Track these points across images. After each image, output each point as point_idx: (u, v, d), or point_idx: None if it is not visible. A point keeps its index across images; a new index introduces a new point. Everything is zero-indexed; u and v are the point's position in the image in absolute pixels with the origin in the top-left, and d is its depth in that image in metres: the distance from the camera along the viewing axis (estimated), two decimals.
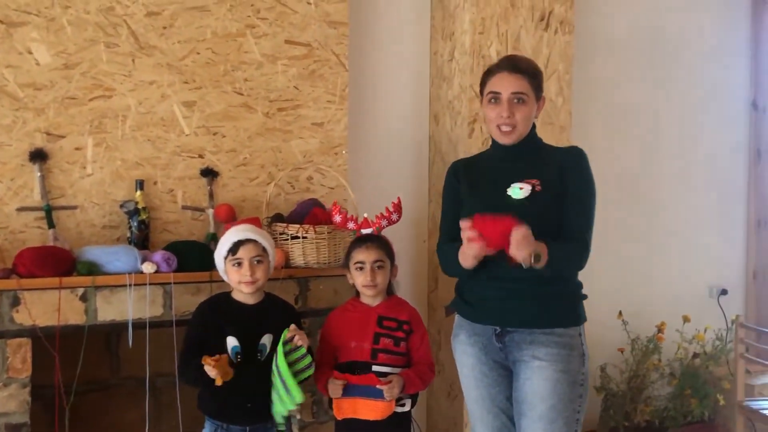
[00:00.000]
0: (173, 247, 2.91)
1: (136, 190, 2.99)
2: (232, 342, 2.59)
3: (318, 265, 3.04)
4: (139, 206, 2.97)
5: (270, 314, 2.68)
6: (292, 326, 2.56)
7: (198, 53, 3.13)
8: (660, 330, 4.16)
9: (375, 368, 2.65)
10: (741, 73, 4.84)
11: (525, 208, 2.37)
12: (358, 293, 2.79)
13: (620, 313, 4.06)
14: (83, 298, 2.72)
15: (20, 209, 2.86)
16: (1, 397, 2.62)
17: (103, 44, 2.97)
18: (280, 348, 2.53)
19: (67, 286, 2.68)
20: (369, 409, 2.59)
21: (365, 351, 2.66)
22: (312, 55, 3.35)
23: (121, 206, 2.97)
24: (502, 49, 3.67)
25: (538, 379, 2.35)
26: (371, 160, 3.71)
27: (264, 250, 2.65)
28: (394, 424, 2.64)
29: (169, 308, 2.84)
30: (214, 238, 3.08)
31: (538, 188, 2.40)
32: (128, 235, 2.97)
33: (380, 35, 3.75)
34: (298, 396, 2.53)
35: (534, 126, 2.53)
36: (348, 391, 2.62)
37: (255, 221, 2.87)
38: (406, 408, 2.70)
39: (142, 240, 2.97)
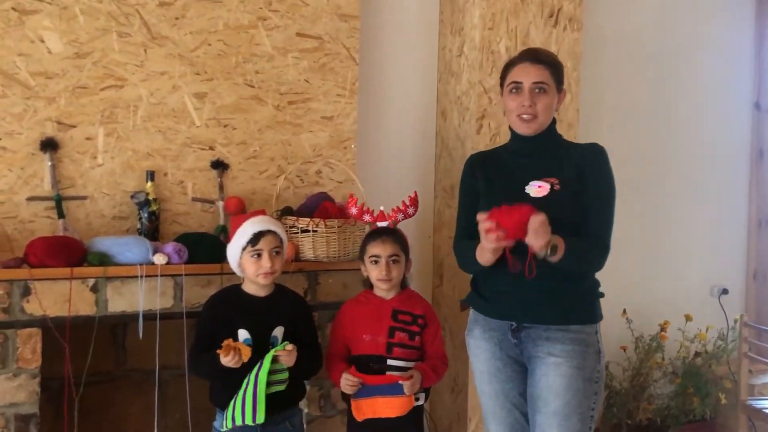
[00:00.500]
0: (184, 239, 2.89)
1: (147, 181, 2.97)
2: (243, 335, 2.58)
3: (328, 259, 3.03)
4: (150, 197, 2.95)
5: (281, 306, 2.67)
6: (290, 346, 2.52)
7: (209, 45, 3.12)
8: (663, 329, 4.17)
9: (390, 362, 2.64)
10: (744, 74, 4.85)
11: (544, 205, 2.36)
12: (371, 285, 2.78)
13: (624, 311, 4.06)
14: (94, 288, 2.70)
15: (30, 199, 2.84)
16: (10, 388, 2.60)
17: (115, 33, 2.95)
18: (267, 360, 2.49)
19: (79, 276, 2.66)
20: (389, 407, 2.58)
21: (380, 345, 2.65)
22: (323, 48, 3.34)
23: (132, 197, 2.96)
24: (511, 45, 3.66)
25: (553, 375, 2.35)
26: (378, 155, 3.70)
27: (281, 241, 2.65)
28: (409, 420, 2.64)
29: (180, 300, 2.82)
30: (224, 231, 3.08)
31: (557, 187, 2.39)
32: (138, 226, 2.96)
33: (389, 29, 3.74)
34: (262, 417, 2.48)
35: (554, 121, 2.52)
36: (365, 390, 2.60)
37: (262, 214, 2.84)
38: (420, 402, 2.70)
39: (152, 231, 2.95)
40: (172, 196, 3.08)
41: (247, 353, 2.45)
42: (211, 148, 3.15)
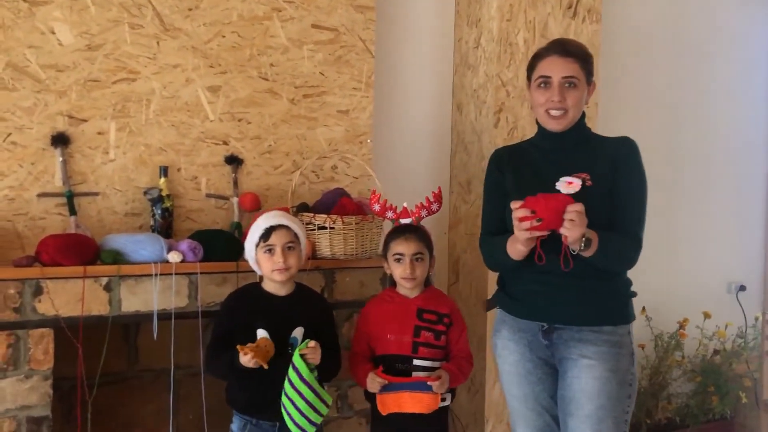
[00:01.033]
0: (199, 236, 2.82)
1: (160, 177, 2.90)
2: (261, 334, 2.49)
3: (345, 257, 2.96)
4: (163, 193, 2.87)
5: (301, 306, 2.60)
6: (312, 342, 2.44)
7: (223, 36, 3.04)
8: (682, 326, 4.10)
9: (416, 362, 2.57)
10: (761, 67, 4.78)
11: None
12: (393, 283, 2.70)
13: (643, 308, 3.99)
14: (107, 287, 2.62)
15: (41, 195, 2.76)
16: (22, 390, 2.52)
17: (127, 25, 2.87)
18: (298, 361, 2.39)
19: (92, 275, 2.58)
20: (415, 401, 2.50)
21: (405, 344, 2.58)
22: (338, 40, 3.26)
23: (145, 193, 2.88)
24: (529, 36, 3.59)
25: (586, 377, 2.28)
26: (393, 150, 3.62)
27: (296, 236, 2.57)
28: (434, 418, 2.57)
29: (195, 299, 2.75)
30: (239, 227, 3.00)
31: (588, 183, 2.31)
32: (151, 223, 2.88)
33: (404, 20, 3.66)
34: (329, 398, 2.45)
35: (584, 114, 2.44)
36: (391, 386, 2.53)
37: (285, 211, 2.77)
38: (447, 402, 2.62)
39: (165, 228, 2.88)
40: (185, 192, 3.00)
41: (267, 356, 2.37)
42: (225, 143, 3.07)
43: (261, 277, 2.65)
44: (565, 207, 2.12)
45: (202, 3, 2.98)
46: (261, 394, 2.49)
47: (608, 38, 3.95)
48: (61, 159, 2.77)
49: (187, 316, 2.75)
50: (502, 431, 3.55)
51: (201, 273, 2.74)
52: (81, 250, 2.58)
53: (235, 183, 3.07)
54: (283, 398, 2.42)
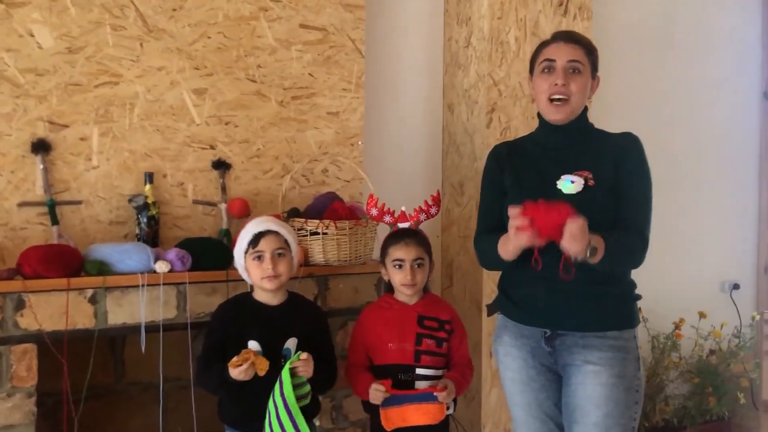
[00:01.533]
0: (187, 245, 2.72)
1: (145, 184, 2.80)
2: (253, 346, 2.40)
3: (339, 263, 2.87)
4: (149, 201, 2.78)
5: (295, 316, 2.50)
6: (304, 355, 2.34)
7: (209, 37, 2.94)
8: (677, 327, 4.05)
9: (418, 371, 2.49)
10: (753, 64, 4.75)
11: (577, 204, 2.21)
12: (390, 289, 2.62)
13: (639, 309, 3.92)
14: (93, 300, 2.52)
15: (21, 204, 2.65)
16: (4, 409, 2.41)
17: (109, 27, 2.77)
18: (286, 375, 2.30)
19: (76, 287, 2.48)
20: (421, 414, 2.41)
21: (407, 353, 2.49)
22: (327, 40, 3.17)
23: (130, 201, 2.78)
24: (520, 35, 3.52)
25: (592, 384, 2.20)
26: (383, 152, 3.54)
27: (286, 243, 2.48)
28: (438, 428, 2.48)
29: (183, 310, 2.65)
30: (228, 235, 2.91)
31: (591, 182, 2.23)
32: (137, 231, 2.78)
33: (393, 20, 3.58)
34: (306, 429, 2.32)
35: (586, 108, 2.36)
36: (394, 399, 2.43)
37: (276, 217, 2.68)
38: (451, 411, 2.54)
39: (151, 237, 2.78)
40: (171, 199, 2.91)
41: (263, 367, 2.29)
42: (212, 147, 2.97)
43: (252, 287, 2.56)
44: (565, 221, 2.02)
45: (186, 3, 2.89)
46: (253, 407, 2.39)
47: (599, 35, 3.87)
48: (42, 166, 2.66)
49: (176, 327, 2.65)
50: None
51: (190, 283, 2.64)
52: (64, 262, 2.48)
53: (223, 189, 2.97)
54: (267, 411, 2.34)
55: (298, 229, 2.84)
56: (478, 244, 2.44)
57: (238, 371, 2.27)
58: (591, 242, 2.06)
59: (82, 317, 2.51)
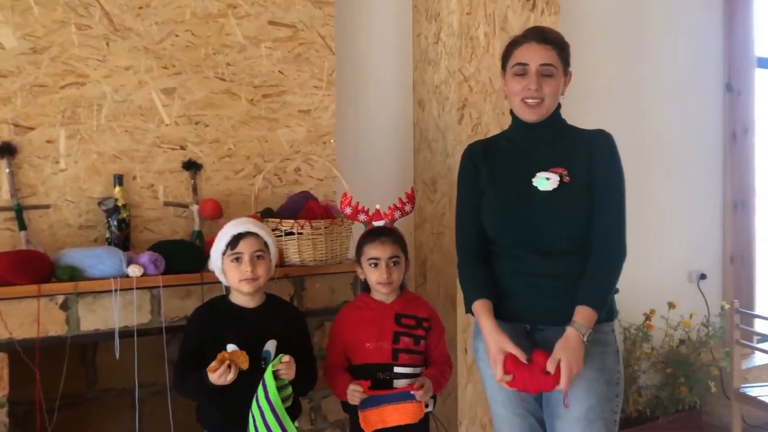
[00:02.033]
0: (159, 248, 2.66)
1: (115, 186, 2.73)
2: (232, 350, 2.36)
3: (314, 263, 2.84)
4: (119, 203, 2.71)
5: (273, 318, 2.47)
6: (286, 357, 2.31)
7: (177, 35, 2.88)
8: (648, 318, 4.08)
9: (396, 369, 2.47)
10: (714, 57, 4.81)
11: (554, 200, 2.22)
12: (366, 288, 2.60)
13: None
14: (64, 306, 2.45)
15: None
16: None
17: (74, 26, 2.69)
18: (270, 378, 2.27)
19: (47, 293, 2.41)
20: (399, 413, 2.40)
21: (385, 352, 2.47)
22: (297, 37, 3.13)
23: (100, 204, 2.71)
24: (489, 30, 3.51)
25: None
26: (355, 149, 3.50)
27: (265, 245, 2.44)
28: (417, 426, 2.47)
29: (158, 314, 2.60)
30: (200, 236, 2.86)
31: (566, 179, 2.24)
32: (107, 235, 2.72)
33: (363, 16, 3.55)
34: (293, 429, 2.30)
35: (559, 105, 2.36)
36: (373, 400, 2.41)
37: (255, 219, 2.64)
38: (430, 408, 2.53)
39: (122, 240, 2.72)
40: (141, 201, 2.84)
41: (243, 360, 2.25)
42: (183, 148, 2.91)
43: (228, 289, 2.52)
44: (551, 389, 2.13)
45: (153, 1, 2.83)
46: (234, 411, 2.36)
47: (566, 30, 3.86)
48: (7, 170, 2.58)
49: (151, 332, 2.60)
50: None
51: (164, 286, 2.59)
52: (34, 267, 2.41)
53: (195, 190, 2.92)
54: (250, 416, 2.30)
55: (273, 230, 2.79)
56: (463, 275, 2.38)
57: (216, 375, 2.23)
58: (587, 336, 2.14)
59: (53, 324, 2.44)
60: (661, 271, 4.47)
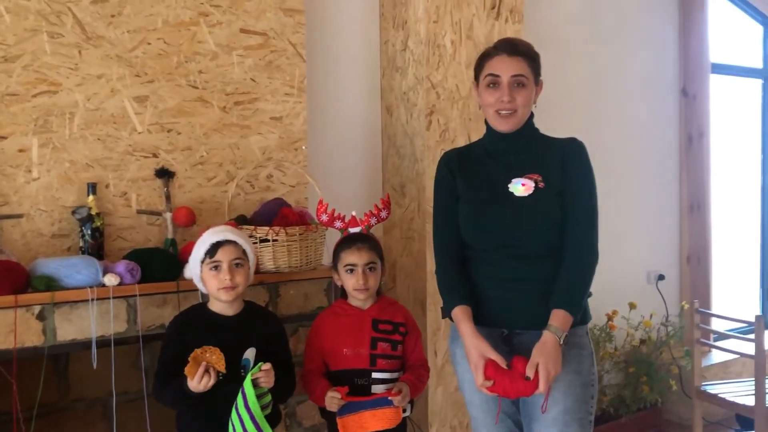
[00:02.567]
0: (135, 256, 2.66)
1: (88, 195, 2.72)
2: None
3: (289, 269, 2.86)
4: (93, 212, 2.70)
5: (252, 326, 2.47)
6: (266, 365, 2.33)
7: (149, 44, 2.88)
8: (610, 318, 4.18)
9: (374, 375, 2.50)
10: (670, 62, 4.94)
11: (529, 205, 2.28)
12: (343, 294, 2.62)
13: None
14: (41, 316, 2.44)
15: None
16: None
17: (46, 34, 2.68)
18: (249, 386, 2.28)
19: (24, 304, 2.39)
20: (377, 419, 2.43)
21: (363, 357, 2.50)
22: (268, 44, 3.15)
23: (74, 213, 2.70)
24: (456, 38, 3.57)
25: None
26: (326, 156, 3.53)
27: (244, 253, 2.45)
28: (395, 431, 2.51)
29: (134, 323, 2.59)
30: (174, 244, 2.85)
31: (541, 185, 2.30)
32: (81, 244, 2.70)
33: (332, 24, 3.58)
34: None
35: (532, 114, 2.42)
36: (351, 407, 2.44)
37: (232, 226, 2.65)
38: (408, 413, 2.56)
39: (96, 249, 2.71)
40: (115, 210, 2.83)
41: (219, 359, 2.25)
42: (155, 156, 2.91)
43: (206, 297, 2.52)
44: (530, 394, 2.18)
45: (125, 9, 2.82)
46: (214, 419, 2.37)
47: (529, 38, 3.95)
48: None
49: (127, 341, 2.59)
50: None
51: (140, 295, 2.59)
52: (10, 278, 2.39)
53: (168, 197, 2.91)
54: (229, 424, 2.31)
55: (248, 237, 2.81)
56: (441, 282, 2.43)
57: (195, 381, 2.24)
58: (563, 339, 2.21)
59: (30, 335, 2.43)
60: (621, 272, 4.56)
